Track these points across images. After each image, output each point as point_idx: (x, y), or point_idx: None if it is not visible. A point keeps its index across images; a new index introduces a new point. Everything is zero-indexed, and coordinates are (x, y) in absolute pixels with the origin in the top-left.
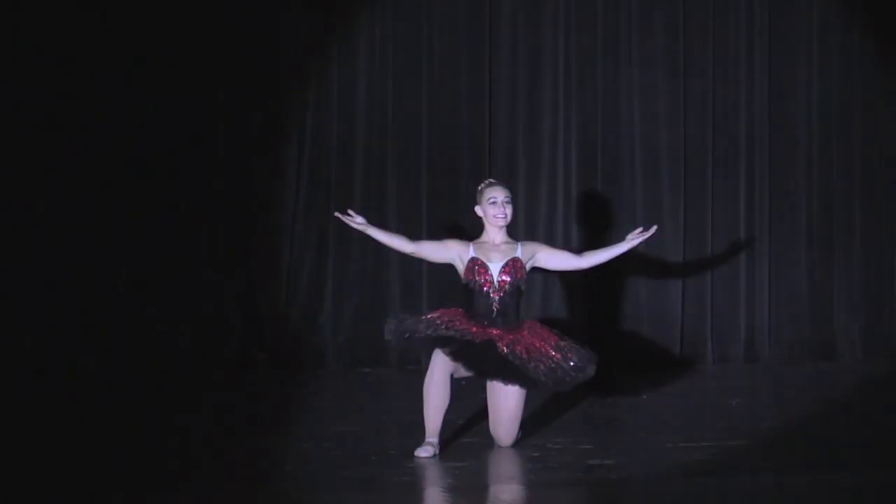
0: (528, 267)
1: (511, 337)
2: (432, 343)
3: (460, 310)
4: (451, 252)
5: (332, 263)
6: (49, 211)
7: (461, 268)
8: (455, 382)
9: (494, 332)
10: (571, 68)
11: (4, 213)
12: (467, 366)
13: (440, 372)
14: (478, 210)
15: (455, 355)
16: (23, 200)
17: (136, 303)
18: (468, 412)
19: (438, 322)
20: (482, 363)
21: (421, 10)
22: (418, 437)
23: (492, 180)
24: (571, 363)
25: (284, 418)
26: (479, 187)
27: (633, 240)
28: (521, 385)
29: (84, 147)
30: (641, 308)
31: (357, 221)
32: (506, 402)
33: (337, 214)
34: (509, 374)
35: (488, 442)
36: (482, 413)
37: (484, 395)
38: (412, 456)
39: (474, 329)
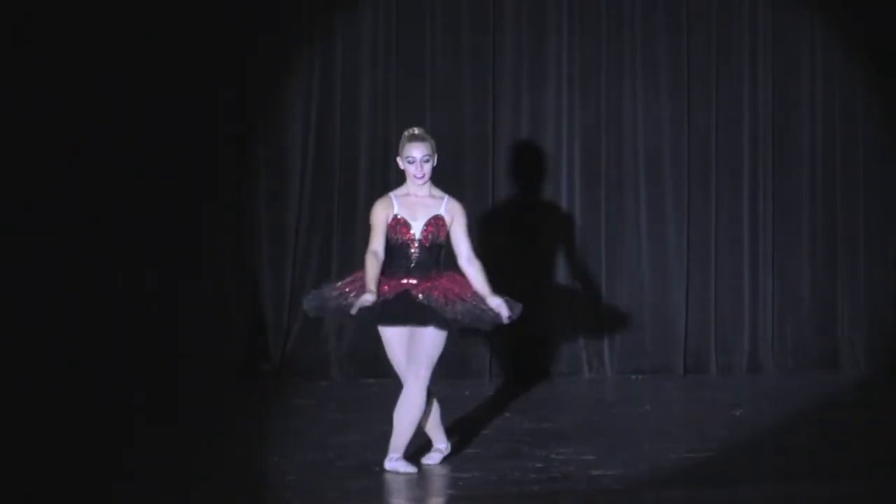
0: (448, 227)
1: (427, 284)
2: (350, 317)
3: None
4: (382, 214)
5: (336, 273)
6: (49, 211)
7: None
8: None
9: (410, 281)
10: (575, 77)
11: (4, 213)
12: (390, 321)
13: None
14: (399, 162)
15: (376, 319)
16: (23, 200)
17: (137, 307)
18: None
19: (349, 290)
20: (398, 312)
21: (424, 14)
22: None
23: (414, 132)
24: (488, 308)
25: (288, 428)
26: (402, 137)
27: (495, 309)
28: (437, 325)
29: (84, 147)
30: (645, 317)
31: (365, 298)
32: (421, 341)
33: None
34: (425, 315)
35: (495, 452)
36: (488, 424)
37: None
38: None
39: (386, 288)
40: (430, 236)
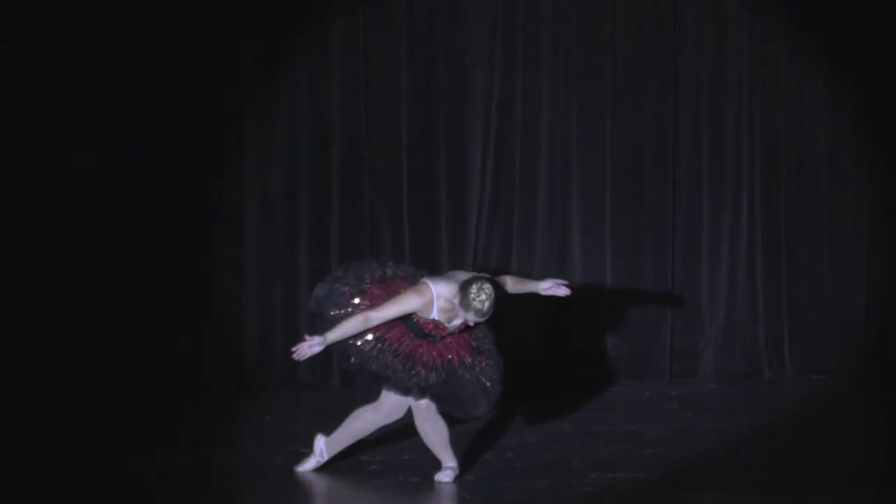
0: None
1: (450, 342)
2: (417, 393)
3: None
4: (411, 310)
5: (517, 265)
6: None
7: (419, 315)
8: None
9: (436, 351)
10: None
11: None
12: (450, 407)
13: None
14: (458, 309)
15: (439, 400)
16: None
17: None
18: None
19: (400, 353)
20: (461, 399)
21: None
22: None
23: (485, 306)
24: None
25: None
26: (471, 296)
27: (546, 288)
28: (490, 402)
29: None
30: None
31: (314, 343)
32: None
33: (293, 350)
34: (482, 400)
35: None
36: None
37: None
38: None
39: (435, 353)
40: (460, 329)
